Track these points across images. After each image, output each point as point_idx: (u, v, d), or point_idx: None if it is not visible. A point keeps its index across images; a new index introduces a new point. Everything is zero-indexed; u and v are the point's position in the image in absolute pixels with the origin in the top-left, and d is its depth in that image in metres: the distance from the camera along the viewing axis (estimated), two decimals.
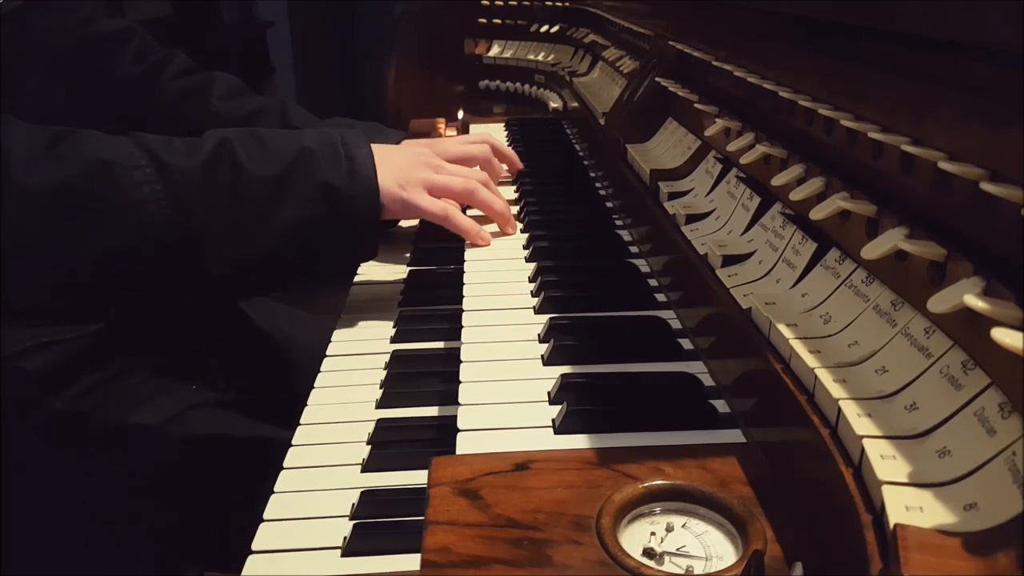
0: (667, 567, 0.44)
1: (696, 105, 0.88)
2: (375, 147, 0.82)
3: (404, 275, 0.94)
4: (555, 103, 1.67)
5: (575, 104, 1.46)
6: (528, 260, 0.89)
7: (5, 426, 0.79)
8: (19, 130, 0.71)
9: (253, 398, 0.96)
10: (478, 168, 0.98)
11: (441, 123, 1.54)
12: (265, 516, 0.57)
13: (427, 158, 0.88)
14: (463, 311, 0.77)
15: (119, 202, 0.70)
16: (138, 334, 0.90)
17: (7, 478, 0.78)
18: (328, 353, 0.79)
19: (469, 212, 0.98)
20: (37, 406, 0.81)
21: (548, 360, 0.68)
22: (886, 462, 0.40)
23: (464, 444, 0.56)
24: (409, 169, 0.83)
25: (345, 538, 0.54)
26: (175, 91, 1.08)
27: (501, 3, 1.93)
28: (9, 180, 0.67)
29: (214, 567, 0.92)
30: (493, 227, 0.97)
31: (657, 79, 1.04)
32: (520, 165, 1.17)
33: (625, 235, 0.97)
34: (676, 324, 0.74)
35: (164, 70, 1.09)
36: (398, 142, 1.09)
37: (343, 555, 0.54)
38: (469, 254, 0.90)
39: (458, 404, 0.61)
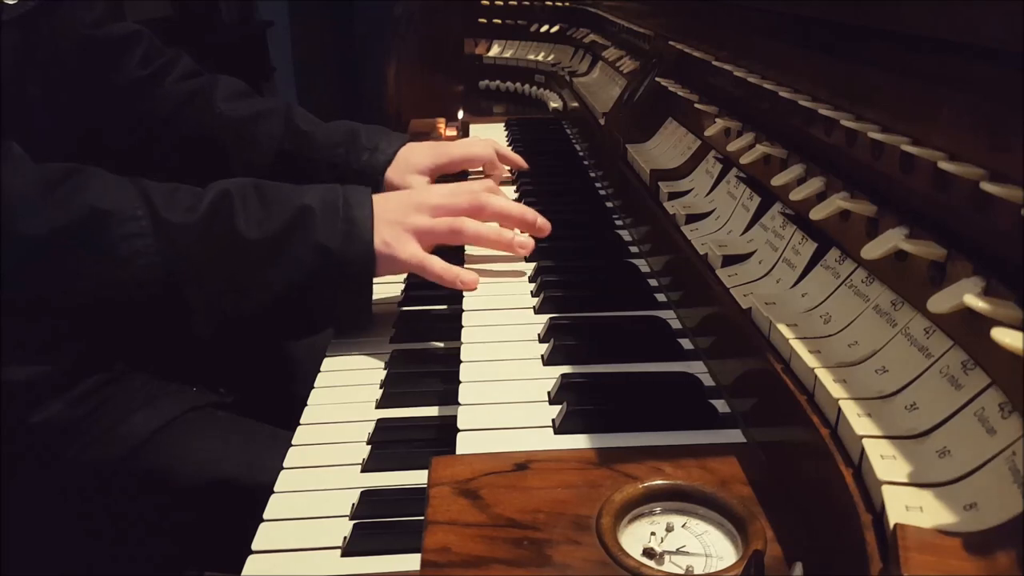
0: (667, 567, 0.44)
1: (696, 105, 0.88)
2: (376, 201, 0.81)
3: (404, 275, 0.94)
4: (555, 103, 1.67)
5: (575, 104, 1.46)
6: (528, 260, 0.89)
7: (5, 425, 0.79)
8: (21, 170, 0.72)
9: (253, 398, 0.96)
10: (474, 193, 0.89)
11: (441, 123, 1.54)
12: (265, 516, 0.57)
13: (415, 201, 0.84)
14: (463, 311, 0.77)
15: (111, 254, 0.71)
16: (139, 336, 0.90)
17: (7, 478, 0.78)
18: (328, 353, 0.79)
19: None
20: (37, 407, 0.81)
21: (548, 360, 0.68)
22: (886, 462, 0.40)
23: (464, 444, 0.56)
24: (397, 222, 0.81)
25: (345, 538, 0.54)
26: (179, 93, 1.08)
27: (501, 3, 1.93)
28: (8, 224, 0.69)
29: (214, 567, 0.92)
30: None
31: (657, 79, 1.04)
32: (525, 164, 1.17)
33: (625, 235, 0.97)
34: (676, 324, 0.74)
35: (169, 73, 1.09)
36: (403, 144, 1.09)
37: (343, 555, 0.54)
38: (470, 253, 0.90)
39: (458, 404, 0.61)
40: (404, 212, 0.82)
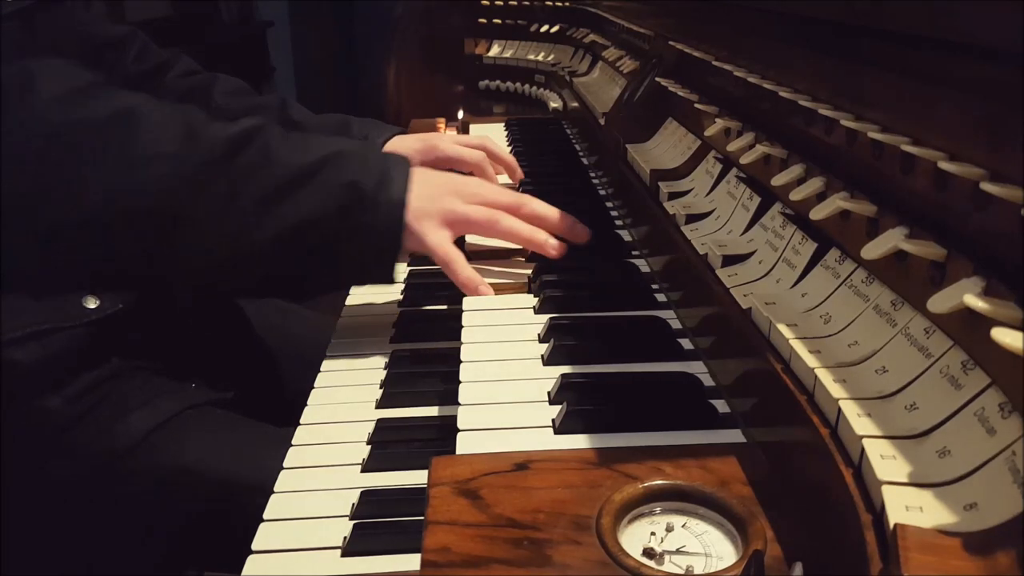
0: (667, 567, 0.44)
1: (696, 105, 0.88)
2: (417, 171, 0.78)
3: (404, 275, 0.94)
4: (555, 103, 1.68)
5: (575, 104, 1.46)
6: (528, 260, 0.89)
7: (5, 423, 0.79)
8: (60, 68, 0.70)
9: (252, 398, 0.96)
10: (517, 195, 0.88)
11: (441, 123, 1.54)
12: (265, 516, 0.57)
13: (456, 187, 0.82)
14: (463, 311, 0.77)
15: (131, 153, 0.68)
16: (138, 333, 0.90)
17: (7, 477, 0.78)
18: (328, 353, 0.79)
19: None
20: (35, 402, 0.81)
21: (548, 360, 0.68)
22: (886, 462, 0.40)
23: (464, 444, 0.56)
24: (434, 198, 0.79)
25: (345, 538, 0.54)
26: (178, 90, 1.08)
27: (501, 3, 1.93)
28: (32, 109, 0.67)
29: (214, 567, 0.92)
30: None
31: (657, 79, 1.04)
32: (520, 172, 1.14)
33: (625, 235, 0.97)
34: (676, 324, 0.74)
35: (169, 70, 1.09)
36: (392, 135, 1.08)
37: (343, 555, 0.54)
38: (469, 252, 0.90)
39: (458, 404, 0.61)
40: (442, 192, 0.80)
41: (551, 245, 0.84)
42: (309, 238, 0.73)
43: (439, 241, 0.78)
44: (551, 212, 0.86)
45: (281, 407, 0.80)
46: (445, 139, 1.09)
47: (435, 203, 0.79)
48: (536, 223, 0.85)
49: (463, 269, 0.80)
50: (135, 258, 0.72)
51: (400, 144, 1.07)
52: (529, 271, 0.85)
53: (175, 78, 1.09)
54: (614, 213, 1.04)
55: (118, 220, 0.69)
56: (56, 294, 0.83)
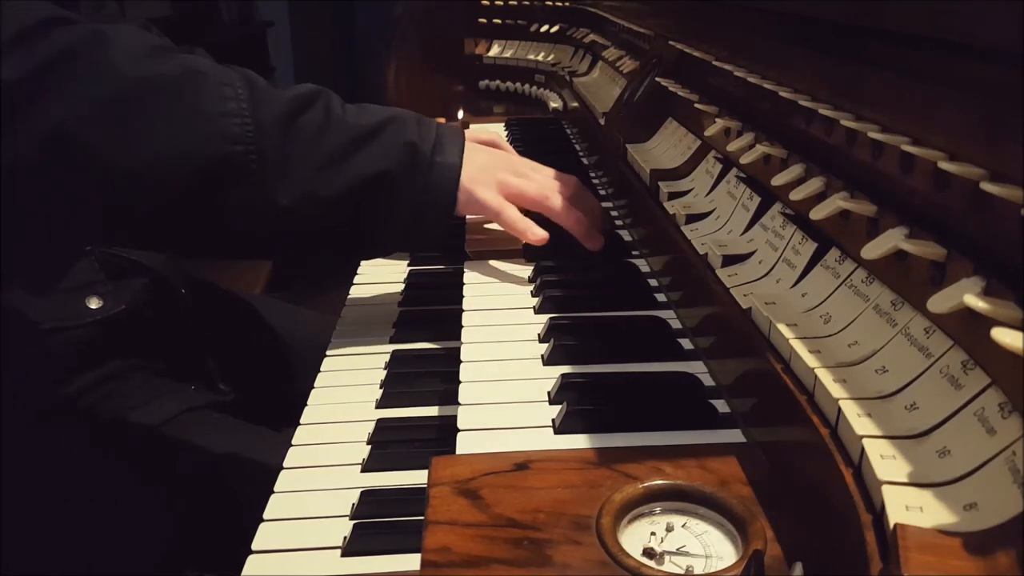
0: (667, 567, 0.44)
1: (696, 105, 0.88)
2: (472, 143, 0.82)
3: (404, 275, 0.94)
4: (555, 103, 1.67)
5: (575, 104, 1.46)
6: (528, 260, 0.89)
7: (6, 420, 0.79)
8: (132, 30, 0.73)
9: (253, 398, 0.96)
10: (574, 179, 0.91)
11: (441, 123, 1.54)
12: (265, 516, 0.57)
13: (510, 163, 0.87)
14: (463, 311, 0.77)
15: (203, 108, 0.70)
16: (140, 333, 0.90)
17: (7, 476, 0.78)
18: (328, 353, 0.79)
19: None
20: (39, 399, 0.81)
21: (548, 360, 0.68)
22: (886, 462, 0.40)
23: (464, 444, 0.56)
24: (487, 168, 0.83)
25: (345, 538, 0.54)
26: None
27: (501, 3, 1.93)
28: (107, 64, 0.68)
29: (214, 567, 0.92)
30: None
31: (657, 79, 1.04)
32: None
33: (625, 235, 0.97)
34: (676, 324, 0.74)
35: None
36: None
37: (343, 555, 0.54)
38: (469, 252, 0.90)
39: (458, 404, 0.61)
40: (495, 165, 0.84)
41: (594, 237, 0.88)
42: (369, 194, 0.76)
43: (490, 196, 0.82)
44: (594, 208, 0.90)
45: (281, 407, 0.80)
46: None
47: (489, 172, 0.83)
48: (552, 215, 0.88)
49: (514, 217, 0.84)
50: (198, 209, 0.73)
51: None
52: (529, 270, 0.85)
53: None
54: (614, 213, 1.04)
55: (189, 171, 0.71)
56: (107, 244, 0.84)
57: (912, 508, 0.37)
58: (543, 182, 0.87)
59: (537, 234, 0.84)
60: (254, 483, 0.62)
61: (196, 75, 0.71)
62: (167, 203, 0.71)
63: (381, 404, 0.70)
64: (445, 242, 0.85)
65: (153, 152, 0.69)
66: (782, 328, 0.53)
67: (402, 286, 0.92)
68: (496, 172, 0.83)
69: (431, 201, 0.78)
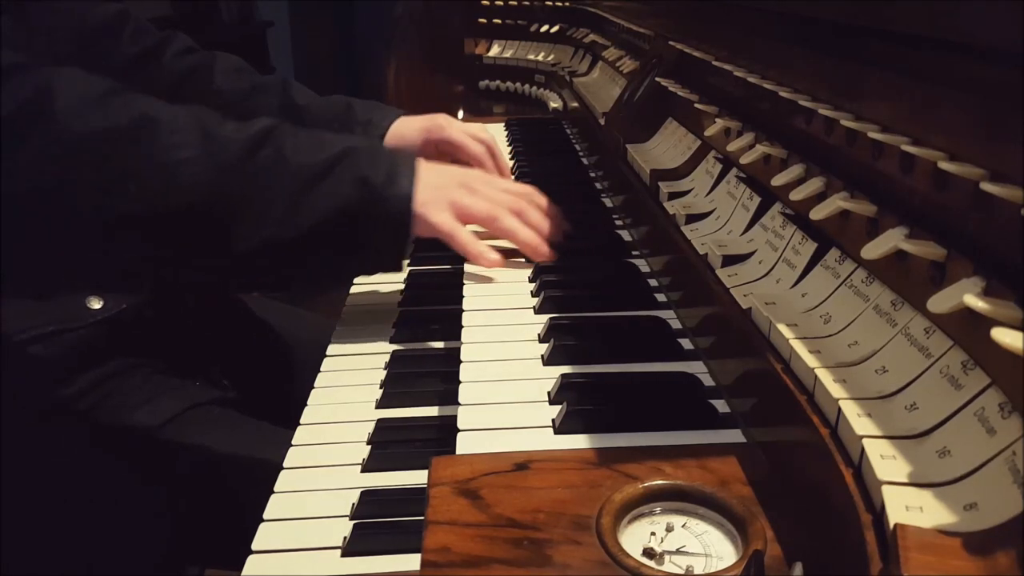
0: (667, 567, 0.44)
1: (696, 105, 0.88)
2: (424, 165, 0.81)
3: (404, 275, 0.94)
4: (555, 103, 1.68)
5: (575, 104, 1.46)
6: (528, 260, 0.89)
7: (7, 421, 0.79)
8: (76, 77, 0.71)
9: (254, 397, 0.96)
10: (528, 190, 0.92)
11: None
12: (265, 516, 0.57)
13: (465, 180, 0.86)
14: (463, 311, 0.77)
15: (158, 159, 0.70)
16: (141, 332, 0.90)
17: (7, 475, 0.78)
18: (328, 353, 0.79)
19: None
20: (39, 400, 0.81)
21: (548, 360, 0.68)
22: (886, 462, 0.40)
23: (464, 444, 0.56)
24: (440, 188, 0.82)
25: (345, 538, 0.54)
26: (177, 70, 1.07)
27: (501, 3, 1.93)
28: (54, 122, 0.67)
29: (215, 566, 0.92)
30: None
31: (657, 79, 1.04)
32: (509, 177, 1.13)
33: (625, 235, 0.97)
34: (676, 324, 0.74)
35: (166, 50, 1.08)
36: (396, 118, 1.08)
37: (343, 555, 0.54)
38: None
39: (458, 404, 0.61)
40: (449, 183, 0.83)
41: (543, 252, 0.86)
42: (325, 233, 0.75)
43: (443, 220, 0.81)
44: (544, 229, 0.89)
45: (282, 407, 0.80)
46: (453, 123, 1.09)
47: (441, 192, 0.81)
48: (532, 227, 0.87)
49: (470, 242, 0.83)
50: (151, 256, 0.73)
51: (406, 124, 1.07)
52: (529, 270, 0.85)
53: (173, 57, 1.07)
54: (614, 213, 1.04)
55: (148, 224, 0.70)
56: (70, 293, 0.84)
57: (912, 508, 0.37)
58: (494, 198, 0.86)
59: (490, 259, 0.83)
60: (255, 482, 0.62)
61: (147, 122, 0.70)
62: (128, 258, 0.72)
63: (381, 404, 0.70)
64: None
65: (110, 207, 0.69)
66: (782, 328, 0.53)
67: (402, 286, 0.92)
68: (449, 191, 0.82)
69: (386, 233, 0.78)
